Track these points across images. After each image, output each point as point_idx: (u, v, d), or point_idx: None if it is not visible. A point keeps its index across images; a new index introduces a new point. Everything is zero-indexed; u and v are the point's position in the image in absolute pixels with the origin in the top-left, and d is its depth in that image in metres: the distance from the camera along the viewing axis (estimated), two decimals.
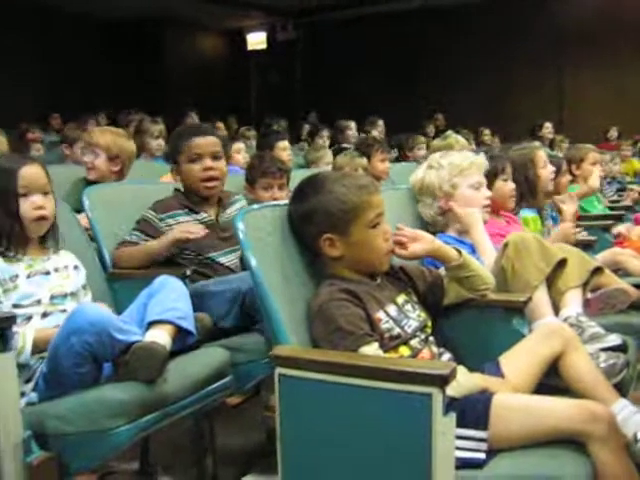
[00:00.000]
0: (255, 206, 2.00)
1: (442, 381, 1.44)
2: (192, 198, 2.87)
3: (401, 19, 12.32)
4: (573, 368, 1.92)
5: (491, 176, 3.07)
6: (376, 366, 1.53)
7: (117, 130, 3.79)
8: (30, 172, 2.22)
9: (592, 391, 1.87)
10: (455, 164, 2.71)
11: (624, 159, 8.63)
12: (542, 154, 3.63)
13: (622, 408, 1.87)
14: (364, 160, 4.57)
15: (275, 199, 3.32)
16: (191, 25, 13.09)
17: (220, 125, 8.33)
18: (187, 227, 2.70)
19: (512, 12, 11.57)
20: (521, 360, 1.94)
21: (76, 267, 2.37)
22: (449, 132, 5.35)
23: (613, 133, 9.94)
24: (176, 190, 2.92)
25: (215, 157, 2.88)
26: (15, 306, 2.10)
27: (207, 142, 2.89)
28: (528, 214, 3.43)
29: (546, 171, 3.57)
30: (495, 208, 3.10)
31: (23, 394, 2.01)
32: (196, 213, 2.84)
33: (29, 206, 2.20)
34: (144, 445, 2.65)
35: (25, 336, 2.03)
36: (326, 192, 1.92)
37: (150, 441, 2.63)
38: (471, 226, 2.65)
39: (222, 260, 2.82)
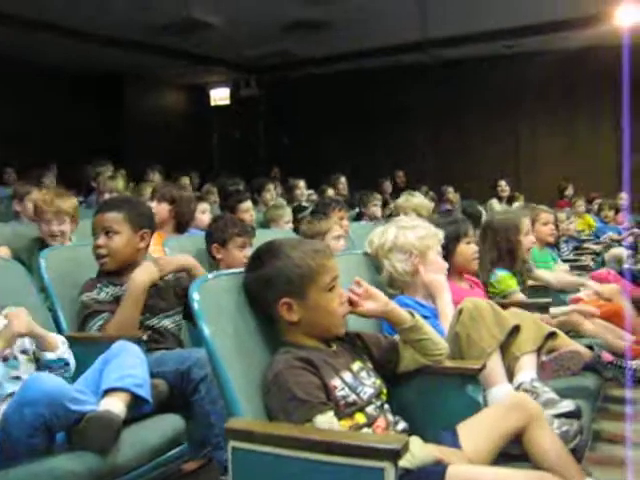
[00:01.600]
0: (210, 275, 2.01)
1: (394, 455, 1.45)
2: (107, 272, 2.86)
3: (361, 77, 12.52)
4: (538, 445, 1.93)
5: (453, 239, 3.15)
6: (329, 440, 1.54)
7: (64, 191, 3.82)
8: None
9: (557, 469, 1.88)
10: (429, 228, 2.82)
11: (579, 215, 8.80)
12: (527, 222, 3.74)
13: None
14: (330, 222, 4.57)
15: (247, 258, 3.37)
16: (154, 80, 13.15)
17: (186, 181, 8.31)
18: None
19: (469, 69, 11.82)
20: (480, 431, 1.95)
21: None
22: (415, 193, 5.44)
23: (570, 191, 10.13)
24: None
25: (108, 232, 2.85)
26: None
27: (100, 218, 2.88)
28: (500, 274, 3.55)
29: (528, 239, 3.69)
30: (459, 271, 3.17)
31: None
32: (118, 285, 2.81)
33: None
34: None
35: None
36: (283, 257, 1.95)
37: None
38: (438, 292, 2.71)
39: (166, 323, 2.86)
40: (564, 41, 10.36)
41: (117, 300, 2.76)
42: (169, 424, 2.27)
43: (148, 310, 2.78)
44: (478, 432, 1.95)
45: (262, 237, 4.22)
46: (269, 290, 1.93)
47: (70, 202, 3.65)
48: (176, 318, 2.93)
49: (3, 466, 1.92)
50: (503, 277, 3.54)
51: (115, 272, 2.84)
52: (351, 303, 2.05)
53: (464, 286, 3.20)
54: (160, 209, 4.24)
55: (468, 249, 3.22)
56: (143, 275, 2.74)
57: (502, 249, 3.61)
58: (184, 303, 2.91)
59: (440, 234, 2.87)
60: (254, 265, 2.01)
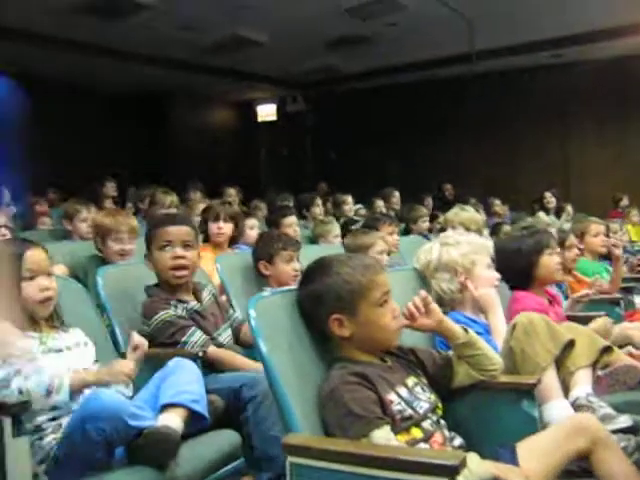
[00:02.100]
0: (266, 293, 2.03)
1: (452, 472, 1.45)
2: (168, 290, 2.87)
3: (409, 90, 12.52)
4: (606, 467, 1.91)
5: (536, 252, 3.16)
6: (386, 456, 1.55)
7: (122, 210, 3.92)
8: (33, 255, 2.29)
9: None
10: (473, 242, 2.75)
11: (634, 225, 8.65)
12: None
13: None
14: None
15: (296, 270, 3.45)
16: (201, 97, 13.29)
17: (232, 192, 8.36)
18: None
19: (516, 81, 11.75)
20: (541, 451, 1.92)
21: (86, 344, 2.41)
22: (465, 207, 5.41)
23: (625, 202, 9.95)
24: (152, 287, 2.89)
25: (186, 246, 2.89)
26: None
27: (178, 230, 2.91)
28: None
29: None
30: (541, 282, 3.15)
31: (36, 476, 2.02)
32: (184, 302, 2.85)
33: (35, 288, 2.26)
34: None
35: (62, 379, 2.07)
36: (333, 274, 1.96)
37: None
38: (489, 307, 2.67)
39: (222, 339, 2.89)
40: (611, 49, 10.26)
41: (192, 318, 2.80)
42: (225, 439, 2.30)
43: (204, 331, 2.81)
44: (538, 452, 1.92)
45: (310, 253, 4.28)
46: (320, 306, 1.95)
47: (135, 221, 3.75)
48: (228, 332, 2.97)
49: None
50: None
51: (172, 289, 2.87)
52: (409, 317, 2.06)
53: (543, 300, 3.17)
54: (227, 228, 4.33)
55: (551, 260, 3.20)
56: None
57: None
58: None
59: (489, 245, 2.84)
60: (306, 282, 2.03)
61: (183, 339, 2.70)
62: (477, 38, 9.81)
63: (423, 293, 2.12)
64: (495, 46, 10.52)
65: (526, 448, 1.94)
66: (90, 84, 11.27)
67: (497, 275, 2.80)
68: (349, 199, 8.01)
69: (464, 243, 2.74)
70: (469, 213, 5.17)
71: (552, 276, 3.23)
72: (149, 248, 2.92)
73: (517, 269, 2.98)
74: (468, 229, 4.63)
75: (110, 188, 7.69)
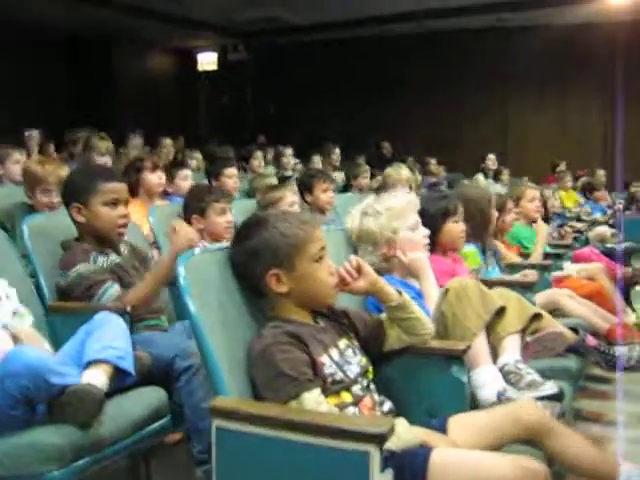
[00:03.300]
0: (196, 250, 1.99)
1: (380, 439, 1.44)
2: (92, 242, 2.78)
3: (352, 46, 12.43)
4: (566, 456, 1.94)
5: (442, 217, 3.11)
6: (314, 422, 1.53)
7: (59, 160, 3.78)
8: None
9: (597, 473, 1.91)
10: (392, 208, 2.68)
11: (566, 190, 8.80)
12: (493, 197, 3.72)
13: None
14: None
15: (229, 222, 3.42)
16: (141, 43, 12.97)
17: (168, 142, 8.19)
18: (185, 233, 2.71)
19: (460, 43, 11.76)
20: (473, 428, 1.91)
21: (7, 296, 2.32)
22: (401, 165, 5.41)
23: (562, 167, 10.09)
24: (70, 241, 2.79)
25: (125, 203, 2.85)
26: None
27: (123, 188, 2.85)
28: (467, 249, 3.44)
29: (495, 212, 3.67)
30: (444, 249, 3.13)
31: None
32: (106, 255, 2.78)
33: None
34: None
35: None
36: (270, 228, 1.93)
37: None
38: (420, 272, 2.65)
39: None
40: (556, 17, 10.33)
41: (113, 271, 2.72)
42: (152, 396, 2.25)
43: (129, 284, 2.74)
44: (470, 428, 1.92)
45: (243, 207, 4.23)
46: (257, 262, 1.91)
47: (65, 172, 3.60)
48: None
49: None
50: (470, 253, 3.47)
51: (97, 242, 2.79)
52: (341, 281, 2.03)
53: (449, 261, 3.15)
54: (155, 178, 4.24)
55: (455, 227, 3.15)
56: (185, 246, 2.61)
57: (475, 223, 3.47)
58: None
59: (415, 202, 2.78)
60: (241, 238, 1.99)
61: (99, 292, 2.61)
62: None
63: (354, 258, 2.09)
64: (442, 6, 10.49)
65: (458, 422, 1.94)
66: (26, 23, 10.86)
67: (425, 233, 2.77)
68: (289, 152, 7.96)
69: (384, 212, 2.66)
70: (405, 172, 5.16)
71: (455, 243, 3.19)
72: (83, 200, 2.77)
73: None
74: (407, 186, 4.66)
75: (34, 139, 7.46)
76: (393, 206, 2.69)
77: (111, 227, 2.78)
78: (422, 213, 2.89)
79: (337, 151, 8.85)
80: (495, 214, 3.71)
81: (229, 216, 3.44)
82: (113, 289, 2.63)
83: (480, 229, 3.50)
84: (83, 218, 2.77)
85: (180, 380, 2.36)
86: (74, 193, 2.81)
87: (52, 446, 1.85)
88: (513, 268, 3.86)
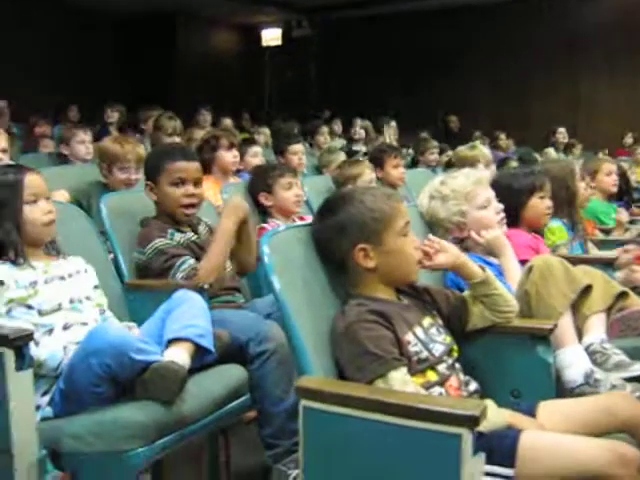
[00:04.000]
0: (280, 227, 1.97)
1: (472, 422, 1.40)
2: (169, 221, 2.80)
3: (416, 19, 12.23)
4: None
5: (527, 192, 3.06)
6: (403, 403, 1.49)
7: (133, 139, 3.83)
8: (34, 180, 2.22)
9: None
10: (458, 191, 2.59)
11: (638, 163, 8.54)
12: (577, 169, 3.61)
13: None
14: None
15: (298, 196, 3.44)
16: (205, 20, 13.00)
17: (228, 122, 8.23)
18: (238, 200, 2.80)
19: (527, 15, 11.48)
20: (563, 416, 1.85)
21: (86, 270, 2.35)
22: (476, 142, 5.31)
23: (628, 140, 9.82)
24: (148, 219, 2.82)
25: (196, 183, 2.83)
26: (39, 313, 2.08)
27: (191, 167, 2.82)
28: (553, 224, 3.36)
29: (582, 184, 3.57)
30: (529, 224, 3.06)
31: (38, 407, 1.98)
32: (183, 232, 2.79)
33: (39, 212, 2.20)
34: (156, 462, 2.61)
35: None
36: (356, 203, 1.91)
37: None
38: (500, 250, 2.58)
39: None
40: None
41: (189, 248, 2.73)
42: (232, 375, 2.25)
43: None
44: (559, 415, 1.85)
45: (314, 183, 4.21)
46: (344, 237, 1.89)
47: (142, 150, 3.67)
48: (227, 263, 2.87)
49: (69, 413, 1.94)
50: (557, 228, 3.37)
51: (172, 220, 2.80)
52: (425, 254, 2.01)
53: (533, 238, 3.07)
54: (230, 156, 4.26)
55: (541, 203, 3.08)
56: (235, 213, 2.74)
57: (560, 198, 3.36)
58: None
59: (481, 177, 2.69)
60: (325, 214, 1.97)
61: (176, 264, 2.62)
62: None
63: (433, 237, 2.07)
64: None
65: (548, 408, 1.88)
66: (93, 5, 10.99)
67: (499, 207, 2.68)
68: (359, 123, 7.90)
69: (450, 195, 2.58)
70: (480, 151, 5.06)
71: (539, 220, 3.12)
72: (154, 179, 2.80)
73: (506, 207, 2.83)
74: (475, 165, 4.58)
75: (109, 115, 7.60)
76: (459, 188, 2.60)
77: (176, 206, 2.78)
78: (506, 189, 2.83)
79: (393, 124, 8.72)
80: (582, 186, 3.61)
81: (296, 189, 3.44)
82: (188, 263, 2.63)
83: (566, 205, 3.39)
84: (155, 196, 2.81)
85: (253, 364, 2.36)
86: (148, 172, 2.87)
87: (136, 423, 1.87)
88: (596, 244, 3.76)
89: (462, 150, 5.10)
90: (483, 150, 5.07)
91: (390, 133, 8.55)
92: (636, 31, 10.79)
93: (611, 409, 1.85)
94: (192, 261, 2.65)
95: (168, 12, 11.95)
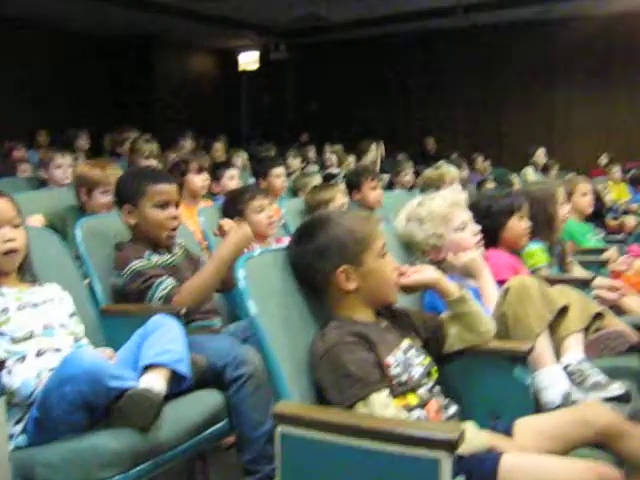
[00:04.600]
0: (256, 252, 1.95)
1: (451, 446, 1.40)
2: (145, 243, 2.77)
3: (392, 42, 12.33)
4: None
5: (506, 214, 3.07)
6: (382, 428, 1.48)
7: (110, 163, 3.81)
8: None
9: None
10: (435, 213, 2.60)
11: (615, 182, 8.64)
12: (562, 192, 3.62)
13: None
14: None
15: (271, 217, 3.41)
16: (182, 44, 13.02)
17: (219, 146, 8.24)
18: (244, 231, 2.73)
19: (504, 37, 11.60)
20: (540, 432, 1.86)
21: (62, 298, 2.32)
22: (441, 162, 5.32)
23: (603, 160, 9.92)
24: (123, 243, 2.78)
25: (177, 205, 2.84)
26: (12, 341, 2.05)
27: (173, 189, 2.83)
28: (533, 247, 3.37)
29: (563, 209, 3.57)
30: (508, 245, 3.07)
31: (11, 436, 1.95)
32: (159, 254, 2.76)
33: None
34: None
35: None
36: (335, 225, 1.91)
37: None
38: (477, 272, 2.59)
39: None
40: (599, 7, 10.13)
41: (167, 268, 2.70)
42: (209, 400, 2.23)
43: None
44: (536, 431, 1.86)
45: (293, 206, 4.21)
46: (324, 261, 1.88)
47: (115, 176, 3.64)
48: None
49: (43, 442, 1.91)
50: (536, 250, 3.38)
51: (150, 243, 2.77)
52: (402, 274, 2.03)
53: (514, 258, 3.08)
54: (200, 180, 4.24)
55: (520, 224, 3.08)
56: (239, 243, 2.69)
57: (540, 220, 3.38)
58: None
59: (458, 199, 2.70)
60: (303, 238, 1.96)
61: (153, 285, 2.59)
62: None
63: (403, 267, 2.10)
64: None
65: (524, 425, 1.89)
66: (72, 26, 10.97)
67: (476, 229, 2.69)
68: (333, 149, 7.95)
69: (427, 218, 2.60)
70: (446, 169, 5.09)
71: (519, 240, 3.13)
72: (134, 202, 2.77)
73: (486, 228, 2.81)
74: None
75: (83, 141, 7.58)
76: (436, 210, 2.62)
77: (160, 229, 2.77)
78: (485, 210, 2.85)
79: (373, 147, 8.73)
80: (566, 209, 3.63)
81: (269, 212, 3.42)
82: (167, 282, 2.61)
83: (546, 227, 3.41)
84: (134, 220, 2.77)
85: (230, 389, 2.33)
86: (125, 195, 2.82)
87: (111, 451, 1.83)
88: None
89: (428, 172, 5.13)
90: (448, 168, 5.10)
91: (379, 154, 8.54)
92: (611, 52, 10.94)
93: (586, 419, 1.86)
94: (171, 280, 2.63)
95: (145, 36, 11.95)
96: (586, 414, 1.90)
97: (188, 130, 8.35)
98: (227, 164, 5.51)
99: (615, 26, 10.52)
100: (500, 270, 2.72)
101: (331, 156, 8.22)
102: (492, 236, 2.89)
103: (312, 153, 9.20)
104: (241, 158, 7.51)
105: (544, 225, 3.39)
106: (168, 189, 2.80)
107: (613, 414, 1.94)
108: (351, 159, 8.18)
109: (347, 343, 1.77)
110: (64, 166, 4.62)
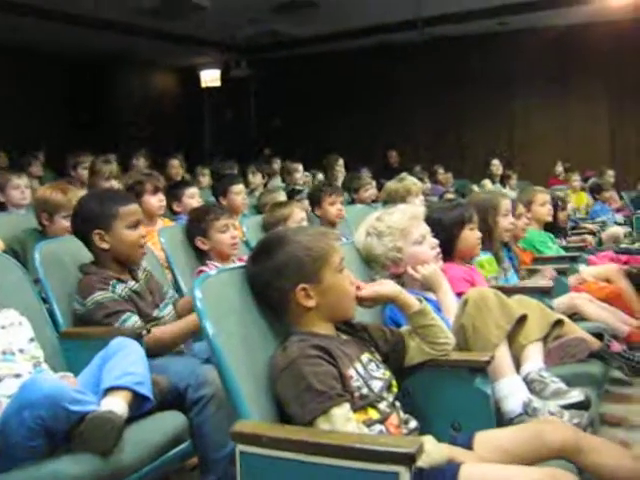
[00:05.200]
0: (212, 272, 1.96)
1: (409, 459, 1.41)
2: (113, 267, 2.74)
3: (354, 57, 12.40)
4: (605, 470, 1.87)
5: (458, 225, 3.09)
6: (341, 444, 1.49)
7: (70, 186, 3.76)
8: None
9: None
10: (394, 227, 2.64)
11: (575, 191, 8.76)
12: (507, 203, 3.66)
13: None
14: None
15: (234, 237, 3.38)
16: (143, 62, 12.97)
17: (175, 163, 8.16)
18: None
19: (461, 48, 11.70)
20: (498, 446, 1.87)
21: (20, 323, 2.30)
22: (403, 174, 5.32)
23: (558, 168, 10.04)
24: (89, 265, 2.75)
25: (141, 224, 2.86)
26: None
27: (139, 209, 2.85)
28: (482, 257, 3.41)
29: (506, 220, 3.60)
30: (462, 256, 3.10)
31: None
32: (124, 282, 2.72)
33: None
34: None
35: None
36: (292, 243, 1.92)
37: None
38: (436, 285, 2.63)
39: (163, 317, 2.80)
40: (556, 18, 10.28)
41: (130, 299, 2.68)
42: (171, 422, 2.22)
43: (143, 312, 2.71)
44: (495, 445, 1.87)
45: (255, 223, 4.21)
46: (283, 279, 1.89)
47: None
48: (169, 308, 2.88)
49: (2, 470, 1.88)
50: (487, 261, 3.44)
51: (118, 267, 2.75)
52: (358, 287, 2.05)
53: (468, 269, 3.12)
54: (156, 201, 4.19)
55: (472, 235, 3.13)
56: None
57: (482, 230, 3.35)
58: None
59: (416, 212, 2.74)
60: (261, 257, 1.96)
61: (116, 324, 2.56)
62: (425, 5, 9.73)
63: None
64: (442, 13, 10.46)
65: (484, 438, 1.90)
66: (35, 45, 10.86)
67: (434, 242, 2.73)
68: (300, 167, 7.93)
69: (386, 232, 2.64)
70: (411, 182, 5.10)
71: (472, 251, 3.17)
72: (106, 226, 2.71)
73: (440, 241, 2.81)
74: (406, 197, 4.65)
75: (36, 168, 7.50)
76: (395, 224, 2.65)
77: (134, 248, 2.77)
78: (437, 223, 2.87)
79: (340, 162, 8.75)
80: (509, 220, 3.66)
81: (232, 232, 3.40)
82: (132, 320, 2.58)
83: (485, 237, 3.42)
84: (107, 244, 2.72)
85: (192, 410, 2.33)
86: (94, 220, 2.73)
87: (72, 477, 1.83)
88: (532, 273, 3.83)
89: (391, 184, 5.10)
90: (413, 179, 5.10)
91: (339, 170, 8.54)
92: (570, 61, 11.07)
93: (543, 439, 1.87)
94: (135, 317, 2.60)
95: (106, 55, 11.87)
96: (543, 433, 1.89)
97: (141, 150, 8.22)
98: (185, 182, 5.48)
99: (571, 37, 10.66)
100: (456, 283, 2.76)
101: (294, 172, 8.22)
102: (447, 248, 2.92)
103: (277, 165, 9.19)
104: (207, 177, 7.52)
105: (485, 235, 3.42)
106: (136, 209, 2.81)
107: (570, 430, 1.96)
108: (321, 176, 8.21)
109: (309, 356, 1.78)
110: (21, 187, 4.50)
